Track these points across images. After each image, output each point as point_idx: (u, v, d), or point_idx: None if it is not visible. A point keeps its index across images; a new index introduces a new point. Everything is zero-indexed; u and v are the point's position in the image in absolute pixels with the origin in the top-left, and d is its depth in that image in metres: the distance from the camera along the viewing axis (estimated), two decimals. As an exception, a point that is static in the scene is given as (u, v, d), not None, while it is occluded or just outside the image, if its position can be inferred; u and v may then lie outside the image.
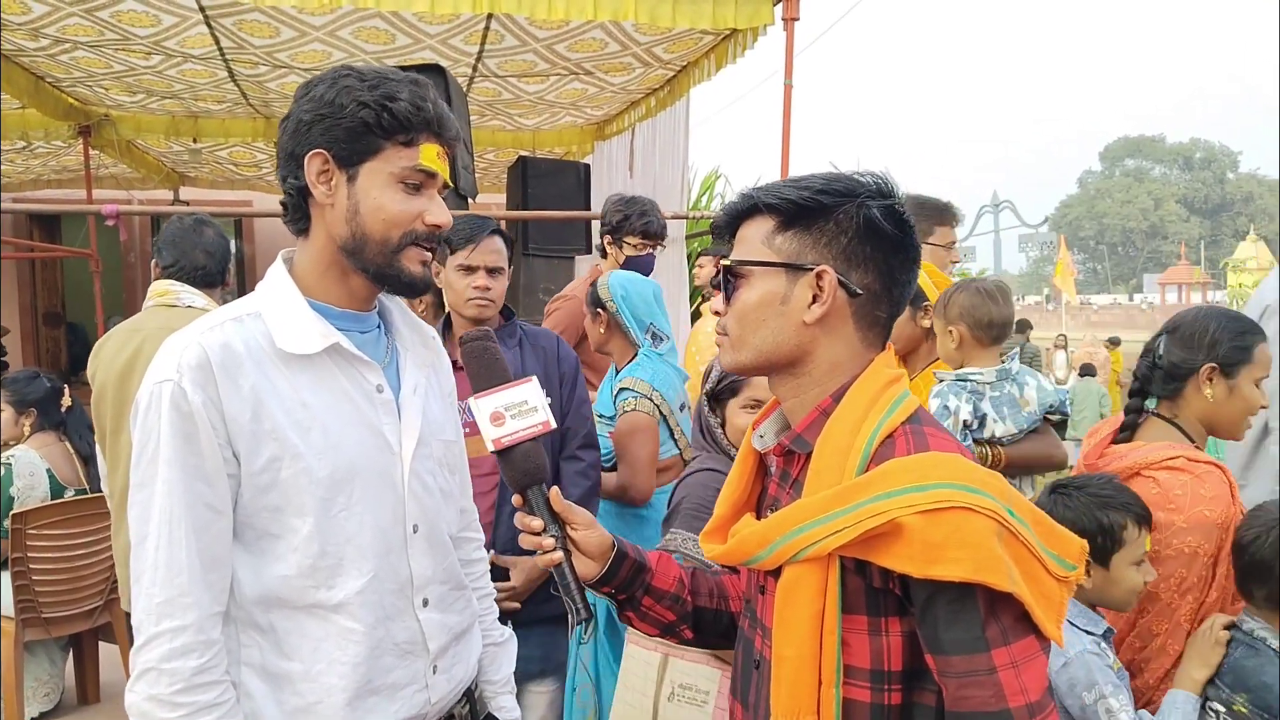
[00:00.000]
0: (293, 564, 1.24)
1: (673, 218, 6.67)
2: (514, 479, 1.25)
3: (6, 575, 3.53)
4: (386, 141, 1.25)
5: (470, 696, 1.48)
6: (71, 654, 4.02)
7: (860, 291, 1.15)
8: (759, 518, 1.24)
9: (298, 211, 1.31)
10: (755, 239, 1.19)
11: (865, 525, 1.03)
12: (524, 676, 2.22)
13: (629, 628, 2.11)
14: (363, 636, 1.27)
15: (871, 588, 1.07)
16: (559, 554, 1.23)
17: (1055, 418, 2.53)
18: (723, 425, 2.18)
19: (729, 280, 1.21)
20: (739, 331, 1.19)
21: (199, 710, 1.16)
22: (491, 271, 2.30)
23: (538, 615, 2.30)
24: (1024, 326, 12.46)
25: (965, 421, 2.42)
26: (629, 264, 3.46)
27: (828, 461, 1.10)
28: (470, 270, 2.29)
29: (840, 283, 1.14)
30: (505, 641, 1.62)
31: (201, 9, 4.61)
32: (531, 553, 2.27)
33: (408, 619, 1.33)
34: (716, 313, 1.25)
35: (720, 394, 2.18)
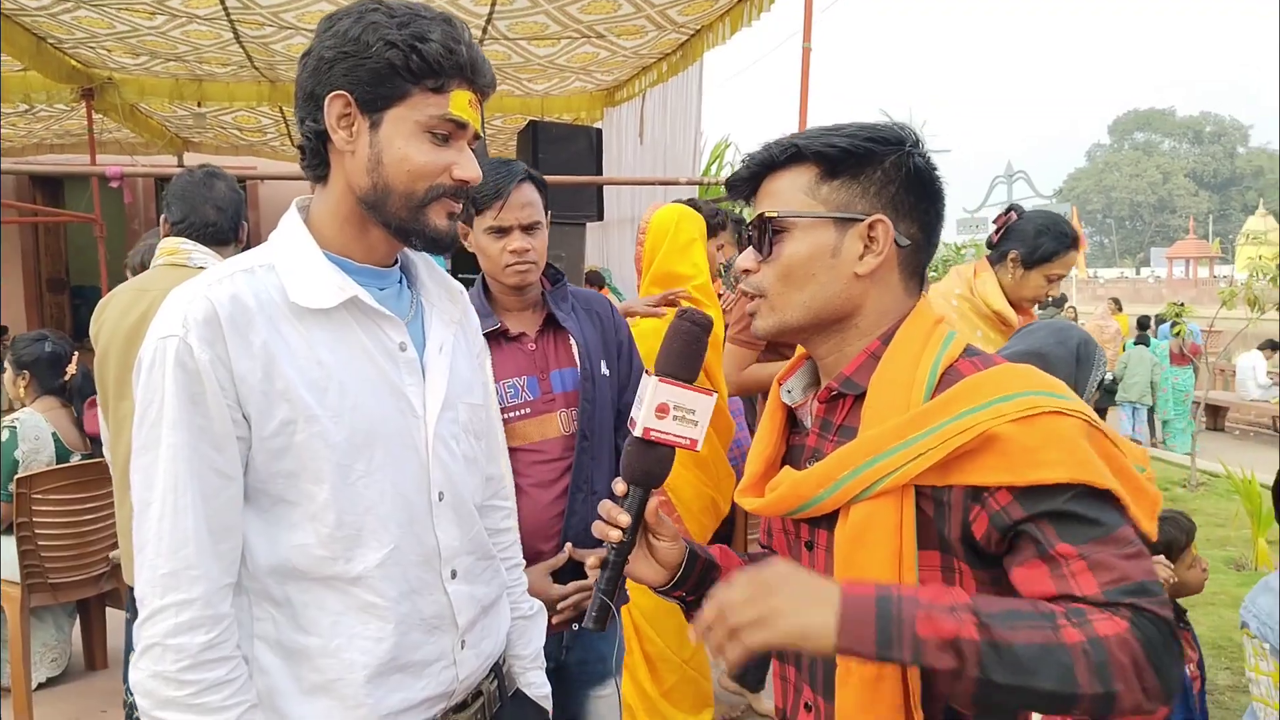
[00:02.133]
0: (310, 533, 1.15)
1: (687, 183, 6.58)
2: (634, 471, 1.14)
3: (11, 540, 3.48)
4: (414, 86, 1.15)
5: (498, 672, 1.41)
6: (79, 620, 3.99)
7: (909, 242, 1.12)
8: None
9: (316, 157, 1.21)
10: (794, 189, 1.13)
11: (954, 443, 1.00)
12: (587, 681, 2.06)
13: None
14: (387, 611, 1.19)
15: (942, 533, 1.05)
16: (604, 551, 1.14)
17: None
18: None
19: (764, 234, 1.14)
20: (782, 289, 1.14)
21: (207, 688, 1.08)
22: (527, 229, 1.93)
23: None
24: (1060, 301, 12.93)
25: None
26: None
27: (888, 397, 1.08)
28: (503, 232, 1.92)
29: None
30: (535, 614, 1.55)
31: (205, -36, 4.50)
32: (534, 561, 2.14)
33: (436, 592, 1.26)
34: (746, 270, 1.16)
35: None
